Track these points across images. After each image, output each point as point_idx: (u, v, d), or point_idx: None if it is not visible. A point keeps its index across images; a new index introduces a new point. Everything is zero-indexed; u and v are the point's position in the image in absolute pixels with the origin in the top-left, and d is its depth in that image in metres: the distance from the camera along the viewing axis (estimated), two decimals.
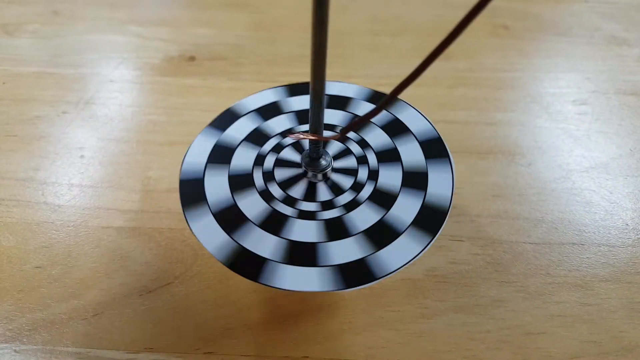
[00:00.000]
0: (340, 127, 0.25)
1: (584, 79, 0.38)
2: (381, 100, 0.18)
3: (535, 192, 0.29)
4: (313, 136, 0.21)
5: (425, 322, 0.24)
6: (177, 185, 0.22)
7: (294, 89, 0.27)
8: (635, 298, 0.25)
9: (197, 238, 0.20)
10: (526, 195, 0.29)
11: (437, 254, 0.26)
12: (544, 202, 0.29)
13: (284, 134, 0.25)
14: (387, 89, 0.19)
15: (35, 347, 0.22)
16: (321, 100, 0.19)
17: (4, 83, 0.36)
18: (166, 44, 0.40)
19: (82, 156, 0.30)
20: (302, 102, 0.26)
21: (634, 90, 0.37)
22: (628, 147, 0.32)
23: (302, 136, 0.22)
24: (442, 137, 0.24)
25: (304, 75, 0.20)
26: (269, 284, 0.19)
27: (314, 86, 0.19)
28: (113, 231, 0.26)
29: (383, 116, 0.25)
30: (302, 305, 0.24)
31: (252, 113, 0.26)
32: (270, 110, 0.26)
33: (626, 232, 0.28)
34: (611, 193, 0.29)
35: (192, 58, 0.39)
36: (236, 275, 0.19)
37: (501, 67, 0.38)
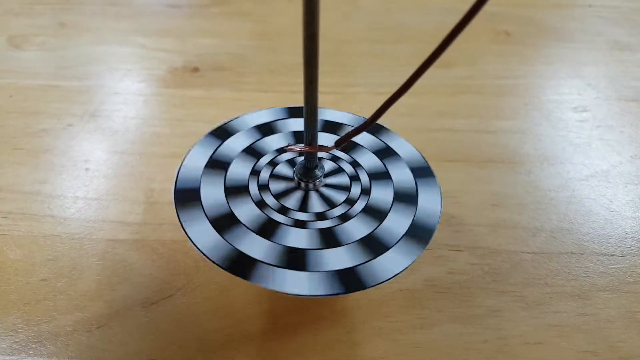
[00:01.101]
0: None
1: (586, 85, 0.38)
2: (375, 110, 0.18)
3: (534, 200, 0.29)
4: (308, 148, 0.21)
5: (423, 332, 0.24)
6: None
7: (295, 111, 0.28)
8: (634, 307, 0.25)
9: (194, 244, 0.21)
10: (525, 204, 0.29)
11: (436, 264, 0.26)
12: (543, 210, 0.29)
13: (282, 149, 0.25)
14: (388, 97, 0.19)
15: (41, 359, 0.22)
16: (315, 114, 0.20)
17: (11, 96, 0.36)
18: (170, 55, 0.41)
19: (87, 169, 0.31)
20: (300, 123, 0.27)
21: (636, 96, 0.36)
22: (629, 154, 0.32)
23: (297, 148, 0.22)
24: (441, 147, 0.25)
25: None
26: (261, 285, 0.19)
27: (307, 101, 0.19)
28: (117, 244, 0.27)
29: (373, 142, 0.26)
30: (301, 316, 0.24)
31: (250, 129, 0.26)
32: (268, 129, 0.27)
33: (625, 241, 0.28)
34: (611, 201, 0.30)
35: (195, 69, 0.39)
36: (237, 286, 0.19)
37: (502, 74, 0.39)
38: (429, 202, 0.23)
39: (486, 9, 0.14)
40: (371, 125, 0.19)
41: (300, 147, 0.22)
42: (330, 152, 0.26)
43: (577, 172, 0.31)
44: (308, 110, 0.20)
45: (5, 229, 0.27)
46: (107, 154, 0.32)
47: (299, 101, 0.21)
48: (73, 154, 0.32)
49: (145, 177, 0.30)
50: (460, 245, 0.27)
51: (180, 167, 0.24)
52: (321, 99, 0.20)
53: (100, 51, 0.41)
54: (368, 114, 0.19)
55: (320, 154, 0.25)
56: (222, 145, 0.25)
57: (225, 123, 0.27)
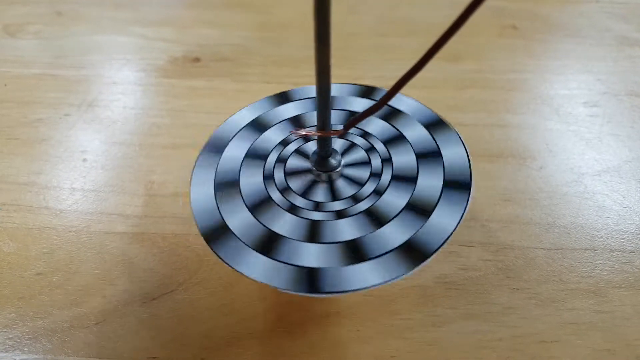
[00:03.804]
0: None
1: (595, 80, 0.37)
2: (386, 92, 0.17)
3: (546, 196, 0.29)
4: (318, 132, 0.20)
5: (436, 330, 0.23)
6: (180, 189, 0.21)
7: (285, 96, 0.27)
8: None
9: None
10: (537, 199, 0.28)
11: (448, 260, 0.25)
12: (555, 206, 0.28)
13: (286, 139, 0.24)
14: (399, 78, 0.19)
15: (36, 356, 0.21)
16: (327, 96, 0.19)
17: (5, 85, 0.35)
18: (170, 45, 0.40)
19: (84, 160, 0.30)
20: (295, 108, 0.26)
21: None
22: None
23: (304, 133, 0.21)
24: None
25: (310, 76, 0.19)
26: (332, 292, 0.18)
27: (320, 83, 0.18)
28: (116, 237, 0.26)
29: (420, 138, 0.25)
30: (308, 313, 0.23)
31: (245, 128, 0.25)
32: (263, 122, 0.25)
33: None
34: (624, 197, 0.29)
35: (196, 59, 0.38)
36: (241, 282, 0.18)
37: (510, 69, 0.38)
38: (452, 153, 0.23)
39: (493, 3, 0.13)
40: (379, 109, 0.18)
41: (307, 130, 0.21)
42: (367, 139, 0.24)
43: (589, 167, 0.30)
44: (320, 93, 0.19)
45: None
46: (106, 145, 0.31)
47: None
48: (70, 145, 0.31)
49: (144, 169, 0.29)
50: (472, 241, 0.26)
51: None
52: None
53: (99, 40, 0.40)
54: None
55: (357, 141, 0.24)
56: (222, 159, 0.24)
57: (290, 90, 0.26)
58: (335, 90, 0.27)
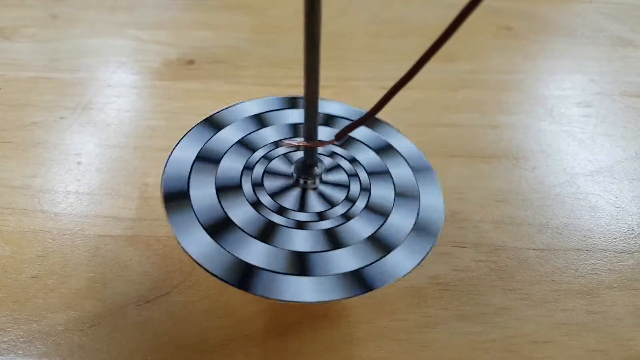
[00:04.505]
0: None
1: (589, 80, 0.37)
2: (376, 102, 0.17)
3: (539, 196, 0.29)
4: (310, 143, 0.20)
5: (429, 331, 0.23)
6: None
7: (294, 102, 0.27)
8: None
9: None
10: (530, 200, 0.29)
11: (440, 261, 0.26)
12: (548, 207, 0.28)
13: (278, 143, 0.24)
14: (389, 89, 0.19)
15: (30, 359, 0.22)
16: (315, 105, 0.19)
17: (0, 88, 0.35)
18: (165, 48, 0.40)
19: (79, 163, 0.30)
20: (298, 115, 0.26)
21: (639, 92, 0.36)
22: (634, 150, 0.32)
23: (293, 143, 0.21)
24: (444, 142, 0.24)
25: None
26: (265, 296, 0.18)
27: (307, 92, 0.18)
28: (110, 239, 0.26)
29: (372, 138, 0.25)
30: (302, 315, 0.23)
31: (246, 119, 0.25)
32: (264, 120, 0.26)
33: (632, 238, 0.27)
34: (617, 197, 0.29)
35: (191, 61, 0.38)
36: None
37: (505, 69, 0.38)
38: (431, 197, 0.23)
39: (488, 3, 0.13)
40: (372, 118, 0.18)
41: (297, 141, 0.21)
42: (328, 147, 0.24)
43: (582, 167, 0.31)
44: (308, 102, 0.19)
45: None
46: (100, 148, 0.31)
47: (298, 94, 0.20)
48: (64, 148, 0.31)
49: (139, 172, 0.30)
50: (465, 242, 0.26)
51: (167, 162, 0.23)
52: (320, 92, 0.19)
53: (93, 43, 0.40)
54: (368, 108, 0.18)
55: (319, 150, 0.24)
56: (214, 137, 0.24)
57: (218, 112, 0.25)
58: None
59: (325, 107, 0.27)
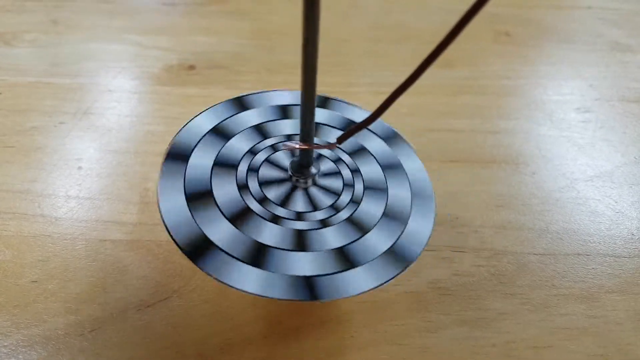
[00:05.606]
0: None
1: (588, 86, 0.37)
2: (378, 106, 0.17)
3: (539, 201, 0.29)
4: (312, 146, 0.20)
5: (429, 336, 0.23)
6: None
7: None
8: None
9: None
10: (530, 205, 0.29)
11: (440, 266, 0.26)
12: (548, 211, 0.28)
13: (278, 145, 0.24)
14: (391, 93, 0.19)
15: None
16: (311, 109, 0.19)
17: (0, 93, 0.35)
18: (165, 53, 0.40)
19: (79, 167, 0.30)
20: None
21: (638, 97, 0.36)
22: (633, 155, 0.32)
23: (298, 146, 0.21)
24: (443, 148, 0.24)
25: None
26: (211, 274, 0.18)
27: (304, 94, 0.18)
28: (110, 244, 0.26)
29: (386, 154, 0.25)
30: (302, 320, 0.23)
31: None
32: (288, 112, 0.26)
33: (632, 242, 0.27)
34: (616, 202, 0.29)
35: (191, 67, 0.38)
36: (235, 289, 0.18)
37: (504, 75, 0.38)
38: (419, 225, 0.22)
39: (486, 9, 0.13)
40: (373, 122, 0.18)
41: (295, 144, 0.21)
42: (337, 151, 0.24)
43: (581, 172, 0.31)
44: (304, 106, 0.19)
45: None
46: (101, 153, 0.31)
47: None
48: (65, 153, 0.31)
49: (139, 177, 0.30)
50: (465, 247, 0.26)
51: (182, 127, 0.24)
52: None
53: (94, 49, 0.40)
54: (369, 113, 0.18)
55: (324, 152, 0.24)
56: (233, 117, 0.24)
57: (246, 95, 0.26)
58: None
59: (349, 112, 0.26)
